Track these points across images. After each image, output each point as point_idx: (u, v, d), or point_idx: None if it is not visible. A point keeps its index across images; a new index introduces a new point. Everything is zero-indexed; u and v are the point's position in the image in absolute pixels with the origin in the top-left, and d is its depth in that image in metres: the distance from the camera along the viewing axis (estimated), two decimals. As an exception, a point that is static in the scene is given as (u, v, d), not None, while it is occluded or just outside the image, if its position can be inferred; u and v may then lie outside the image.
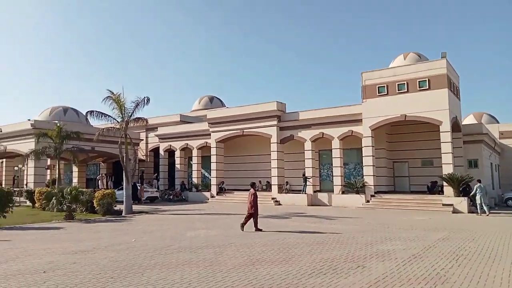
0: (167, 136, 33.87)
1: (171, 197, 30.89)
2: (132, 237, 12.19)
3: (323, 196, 25.18)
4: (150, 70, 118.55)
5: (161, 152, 34.55)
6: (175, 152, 33.35)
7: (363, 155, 23.87)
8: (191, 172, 32.76)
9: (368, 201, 22.92)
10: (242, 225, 13.34)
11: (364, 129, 23.69)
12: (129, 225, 15.90)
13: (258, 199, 13.67)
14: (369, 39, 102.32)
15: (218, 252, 9.56)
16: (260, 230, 13.24)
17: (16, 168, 39.85)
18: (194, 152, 32.10)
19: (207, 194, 29.83)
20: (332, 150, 25.25)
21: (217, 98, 43.87)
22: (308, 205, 24.55)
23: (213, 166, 30.12)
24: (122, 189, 22.50)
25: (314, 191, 25.72)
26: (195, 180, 31.82)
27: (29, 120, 29.53)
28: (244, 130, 28.49)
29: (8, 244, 10.82)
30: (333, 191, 24.97)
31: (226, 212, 20.76)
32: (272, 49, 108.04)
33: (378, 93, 23.23)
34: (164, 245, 10.54)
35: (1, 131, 31.68)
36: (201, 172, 32.64)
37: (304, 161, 26.32)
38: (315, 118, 25.76)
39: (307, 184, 25.67)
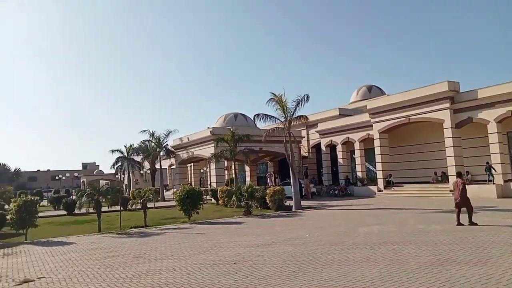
0: (327, 131, 33.97)
1: (336, 192, 30.82)
2: (306, 232, 12.52)
3: (518, 187, 21.17)
4: (307, 67, 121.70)
5: (323, 147, 34.86)
6: (337, 147, 33.17)
7: None
8: (355, 166, 32.04)
9: None
10: (458, 219, 12.22)
11: None
12: (300, 220, 16.45)
13: (461, 191, 12.27)
14: None
15: (397, 249, 8.93)
16: (475, 224, 11.93)
17: (202, 170, 46.41)
18: (356, 145, 31.28)
19: (373, 188, 28.66)
20: (528, 130, 20.95)
21: (376, 86, 41.74)
22: (497, 198, 20.99)
23: (378, 158, 28.74)
24: (286, 184, 23.55)
25: (505, 181, 21.82)
26: (359, 174, 31.00)
27: (208, 128, 33.92)
28: (410, 117, 26.24)
29: (203, 237, 12.49)
30: (532, 180, 20.71)
31: (397, 207, 19.46)
32: (429, 36, 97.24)
33: None
34: (338, 241, 10.45)
35: (189, 140, 37.28)
36: (365, 166, 31.58)
37: (488, 146, 22.61)
38: (501, 95, 21.77)
39: (492, 173, 21.97)
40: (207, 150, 33.40)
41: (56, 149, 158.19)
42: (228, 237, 12.18)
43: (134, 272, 7.90)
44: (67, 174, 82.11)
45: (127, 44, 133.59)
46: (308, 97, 20.85)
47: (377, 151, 28.74)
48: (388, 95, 34.19)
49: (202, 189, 30.56)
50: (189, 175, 46.66)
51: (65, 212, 24.97)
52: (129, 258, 9.52)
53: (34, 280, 7.66)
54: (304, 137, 37.77)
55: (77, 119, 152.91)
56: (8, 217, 14.59)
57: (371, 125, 29.23)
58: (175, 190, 42.82)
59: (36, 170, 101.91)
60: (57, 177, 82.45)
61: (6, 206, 22.25)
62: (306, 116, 23.04)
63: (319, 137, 35.23)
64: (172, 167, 48.55)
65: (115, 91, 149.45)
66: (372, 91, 40.92)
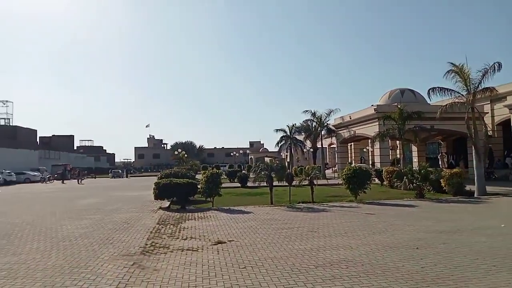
0: (522, 105, 28.25)
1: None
2: (500, 222, 10.72)
3: None
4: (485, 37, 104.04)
5: (513, 125, 29.22)
6: (534, 124, 27.36)
7: None
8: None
9: None
10: None
11: None
12: (488, 207, 14.26)
13: None
14: None
15: None
16: None
17: (364, 150, 45.09)
18: None
19: None
20: None
21: None
22: None
23: None
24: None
25: None
26: None
27: (372, 105, 32.38)
28: None
29: (374, 218, 11.99)
30: None
31: None
32: None
33: None
34: (550, 237, 8.58)
35: (350, 118, 36.49)
36: None
37: None
38: None
39: None
40: (370, 129, 31.97)
41: (227, 130, 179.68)
42: (402, 220, 11.39)
43: (312, 245, 8.10)
44: (241, 151, 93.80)
45: (286, 24, 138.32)
46: (500, 65, 17.44)
47: None
48: None
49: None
50: (349, 154, 45.91)
51: (239, 184, 27.82)
52: (303, 231, 9.85)
53: (226, 242, 8.65)
54: (487, 112, 32.38)
55: (243, 103, 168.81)
56: (199, 186, 17.00)
57: None
58: (335, 168, 42.85)
59: (213, 147, 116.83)
60: (231, 154, 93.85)
61: (197, 176, 26.04)
62: (494, 88, 19.48)
63: (509, 112, 29.60)
64: (332, 146, 48.58)
65: (275, 74, 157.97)
66: None
